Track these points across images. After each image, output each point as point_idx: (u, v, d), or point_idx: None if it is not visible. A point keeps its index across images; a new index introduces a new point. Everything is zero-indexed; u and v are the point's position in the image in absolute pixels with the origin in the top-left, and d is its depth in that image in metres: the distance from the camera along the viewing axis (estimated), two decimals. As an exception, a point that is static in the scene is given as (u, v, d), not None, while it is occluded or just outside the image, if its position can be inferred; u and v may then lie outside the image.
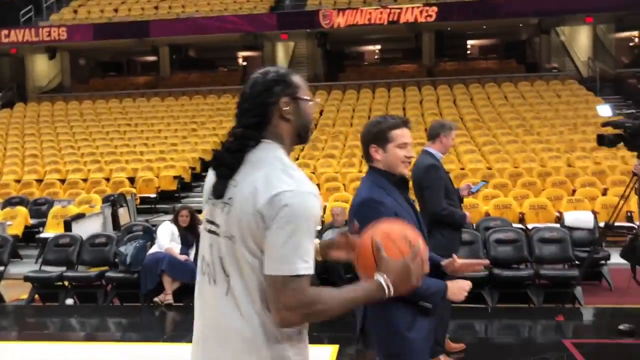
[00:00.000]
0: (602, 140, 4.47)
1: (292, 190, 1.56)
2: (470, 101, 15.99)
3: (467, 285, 2.30)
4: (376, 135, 2.36)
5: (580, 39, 19.98)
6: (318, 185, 9.75)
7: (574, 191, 9.39)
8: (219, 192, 1.69)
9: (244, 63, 24.49)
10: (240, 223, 1.60)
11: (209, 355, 1.71)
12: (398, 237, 1.75)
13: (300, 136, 1.75)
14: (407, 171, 2.41)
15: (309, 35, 19.12)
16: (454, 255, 2.36)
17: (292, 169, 1.63)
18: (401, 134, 2.35)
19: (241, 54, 24.04)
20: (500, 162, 11.25)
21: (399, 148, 2.34)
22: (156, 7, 19.62)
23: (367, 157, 2.43)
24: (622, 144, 4.46)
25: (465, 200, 8.63)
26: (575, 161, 11.10)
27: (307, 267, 1.55)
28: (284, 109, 1.69)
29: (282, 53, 21.46)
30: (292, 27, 18.16)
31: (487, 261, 2.41)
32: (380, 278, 1.63)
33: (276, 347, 1.63)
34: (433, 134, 4.39)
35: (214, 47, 22.24)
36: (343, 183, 10.60)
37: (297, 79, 1.74)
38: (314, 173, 11.28)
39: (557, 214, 8.27)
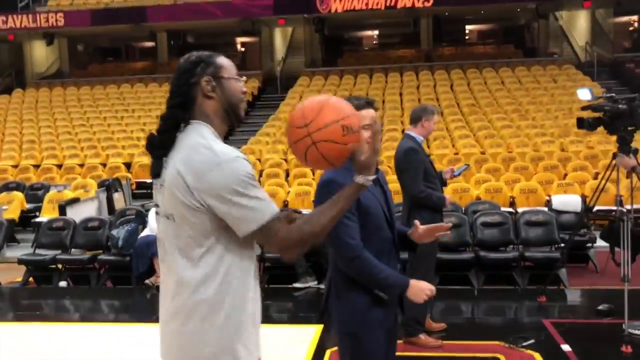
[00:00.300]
0: (582, 124, 4.52)
1: (214, 164, 1.67)
2: (467, 86, 16.00)
3: (429, 290, 2.29)
4: None
5: (578, 24, 19.90)
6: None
7: (565, 175, 9.46)
8: (154, 172, 1.78)
9: (242, 49, 24.45)
10: (175, 202, 1.70)
11: (162, 332, 1.83)
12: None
13: (229, 113, 1.84)
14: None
15: (306, 20, 19.07)
16: (416, 222, 2.40)
17: (213, 142, 1.73)
18: (366, 115, 2.34)
19: (239, 39, 23.99)
20: (494, 147, 11.30)
21: (363, 129, 2.34)
22: (154, -7, 19.57)
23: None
24: (602, 127, 4.51)
25: (457, 184, 8.79)
26: (569, 145, 11.14)
27: (268, 208, 1.68)
28: (205, 87, 1.79)
29: (279, 38, 21.42)
30: (289, 12, 18.10)
31: (449, 225, 2.40)
32: (356, 178, 1.77)
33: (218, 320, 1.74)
34: (415, 118, 4.45)
35: (212, 32, 22.19)
36: (337, 168, 10.65)
37: (222, 60, 1.84)
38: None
39: (548, 197, 8.33)
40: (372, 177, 1.78)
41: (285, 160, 11.49)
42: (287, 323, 5.41)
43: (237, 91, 1.85)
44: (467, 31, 25.20)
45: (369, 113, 2.36)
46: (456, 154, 11.22)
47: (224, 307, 1.74)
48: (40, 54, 21.09)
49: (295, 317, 5.62)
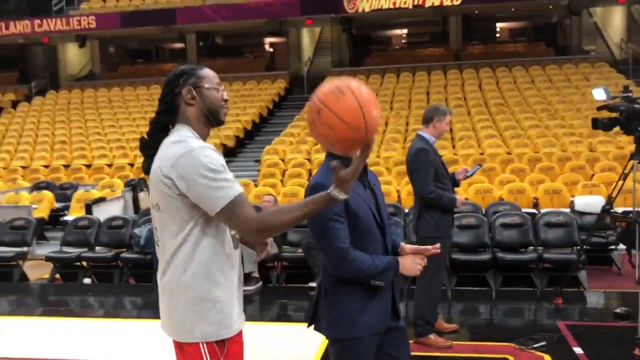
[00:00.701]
0: (597, 124, 4.44)
1: (184, 152, 1.90)
2: (496, 85, 15.80)
3: (419, 259, 2.30)
4: None
5: (613, 20, 19.43)
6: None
7: (592, 176, 9.27)
8: (146, 169, 2.04)
9: (271, 49, 24.61)
10: (157, 192, 1.97)
11: (159, 305, 2.12)
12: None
13: (209, 118, 2.07)
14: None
15: (333, 20, 19.10)
16: (402, 243, 2.39)
17: (186, 138, 1.97)
18: None
19: (267, 40, 24.16)
20: (521, 147, 11.14)
21: None
22: (183, -5, 19.88)
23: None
24: (617, 127, 4.43)
25: (479, 185, 8.71)
26: (597, 145, 10.91)
27: (232, 190, 1.88)
28: (186, 95, 2.04)
29: (307, 39, 21.50)
30: (316, 12, 18.15)
31: (437, 245, 2.37)
32: (332, 190, 1.87)
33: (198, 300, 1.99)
34: (427, 118, 4.44)
35: (240, 33, 22.41)
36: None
37: (204, 71, 2.09)
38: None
39: (572, 199, 8.19)
40: (344, 197, 1.86)
41: (309, 160, 11.54)
42: (303, 322, 5.45)
43: (217, 99, 2.07)
44: (497, 29, 24.85)
45: None
46: (481, 154, 11.10)
47: (196, 289, 1.97)
48: (73, 56, 21.63)
49: (310, 316, 5.64)
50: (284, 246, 6.71)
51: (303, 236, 6.47)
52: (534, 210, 7.86)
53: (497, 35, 24.97)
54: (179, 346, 2.03)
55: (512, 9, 20.17)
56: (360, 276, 2.26)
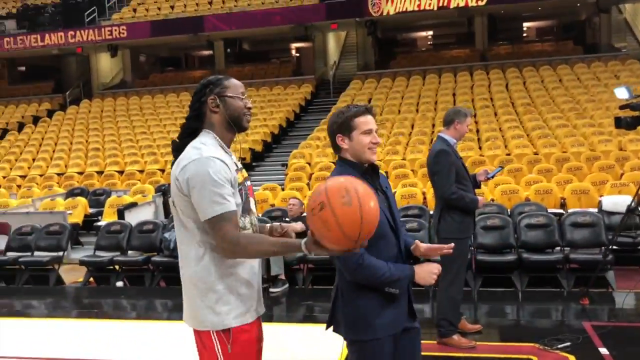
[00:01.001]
0: (620, 123, 4.43)
1: (195, 159, 2.11)
2: (523, 85, 15.66)
3: (435, 268, 2.35)
4: (341, 125, 2.41)
5: (645, 16, 19.07)
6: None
7: (622, 175, 9.14)
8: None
9: (297, 54, 24.80)
10: (172, 191, 2.19)
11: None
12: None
13: (231, 124, 2.27)
14: (374, 157, 2.43)
15: (358, 24, 19.19)
16: (417, 241, 2.43)
17: (203, 144, 2.18)
18: (365, 121, 2.39)
19: (293, 45, 24.35)
20: (548, 147, 11.04)
21: (364, 134, 2.38)
22: (210, 3, 20.21)
23: (335, 147, 2.46)
24: (641, 126, 4.41)
25: (506, 185, 8.68)
26: (627, 144, 10.75)
27: (221, 207, 2.06)
28: (211, 104, 2.25)
29: (333, 43, 21.61)
30: (341, 17, 18.28)
31: (451, 245, 2.38)
32: (303, 245, 2.02)
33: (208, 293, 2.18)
34: (447, 120, 4.50)
35: (266, 40, 22.65)
36: (385, 170, 10.71)
37: (229, 81, 2.28)
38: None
39: (600, 198, 8.10)
40: (312, 255, 1.99)
41: (334, 163, 11.61)
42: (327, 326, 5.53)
43: (239, 107, 2.27)
44: (524, 28, 24.58)
45: (367, 119, 2.41)
46: (508, 154, 11.04)
47: (205, 282, 2.17)
48: (105, 66, 22.15)
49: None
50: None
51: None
52: (561, 211, 7.80)
53: (524, 34, 24.69)
54: (197, 334, 2.24)
55: (539, 8, 19.94)
56: (375, 282, 2.31)
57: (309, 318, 5.90)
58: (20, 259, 7.64)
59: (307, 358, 4.53)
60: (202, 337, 2.21)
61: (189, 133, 2.27)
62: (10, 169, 14.19)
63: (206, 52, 23.06)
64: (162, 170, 12.61)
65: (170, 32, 19.21)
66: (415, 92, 16.10)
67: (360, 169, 2.42)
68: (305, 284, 6.74)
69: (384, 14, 17.37)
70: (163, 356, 4.77)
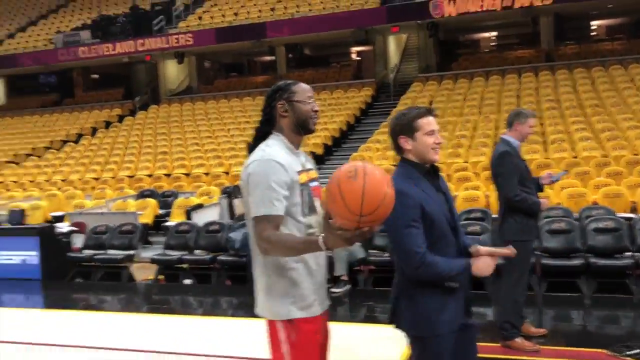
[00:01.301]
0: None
1: (256, 160, 2.28)
2: (592, 86, 15.14)
3: (492, 260, 2.38)
4: (404, 127, 2.48)
5: None
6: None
7: (700, 178, 8.73)
8: None
9: (357, 58, 24.88)
10: (242, 190, 2.36)
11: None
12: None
13: (298, 127, 2.40)
14: (437, 157, 2.48)
15: (419, 26, 19.05)
16: (478, 246, 2.47)
17: (268, 147, 2.33)
18: (427, 122, 2.46)
19: (354, 49, 24.43)
20: (618, 149, 10.66)
21: (427, 135, 2.44)
22: (272, 9, 20.59)
23: (397, 149, 2.54)
24: None
25: (573, 189, 8.45)
26: None
27: (267, 209, 2.20)
28: (280, 108, 2.39)
29: (393, 46, 21.56)
30: (402, 20, 18.21)
31: (510, 250, 2.43)
32: (321, 239, 2.09)
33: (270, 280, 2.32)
34: (509, 122, 4.48)
35: (327, 44, 22.84)
36: (447, 173, 10.63)
37: (297, 86, 2.41)
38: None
39: (675, 202, 7.78)
40: (326, 250, 2.08)
41: (395, 166, 11.61)
42: (390, 324, 5.58)
43: (306, 111, 2.39)
44: (593, 27, 23.71)
45: (429, 120, 2.48)
46: (575, 157, 10.73)
47: (270, 275, 2.31)
48: (172, 72, 22.95)
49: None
50: (372, 250, 6.87)
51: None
52: (631, 215, 7.53)
53: (593, 33, 23.81)
54: (267, 323, 2.37)
55: (609, 5, 19.21)
56: (437, 279, 2.38)
57: (370, 318, 5.97)
58: (96, 257, 8.07)
59: (369, 357, 4.60)
60: (269, 326, 2.35)
61: (260, 136, 2.40)
62: (85, 171, 14.94)
63: (268, 58, 23.48)
64: (227, 173, 12.97)
65: (234, 39, 19.69)
66: (477, 93, 15.86)
67: (422, 169, 2.49)
68: (367, 285, 6.81)
69: (446, 15, 17.20)
70: (227, 351, 4.95)
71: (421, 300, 2.42)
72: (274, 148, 2.30)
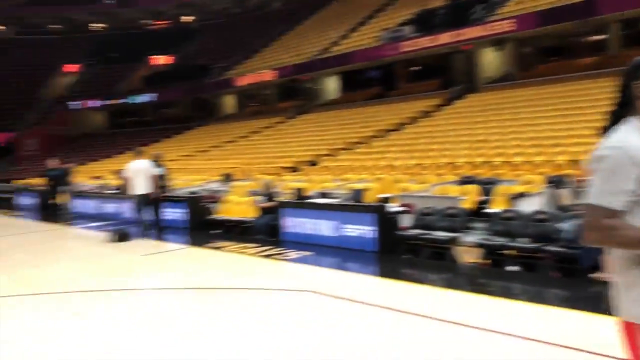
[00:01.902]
0: None
1: (607, 146, 1.99)
2: None
3: None
4: None
5: None
6: None
7: None
8: None
9: None
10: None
11: None
12: None
13: None
14: None
15: None
16: None
17: (621, 132, 2.00)
18: None
19: None
20: None
21: None
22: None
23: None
24: None
25: None
26: None
27: (596, 199, 1.95)
28: (637, 90, 2.02)
29: None
30: None
31: None
32: None
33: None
34: None
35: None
36: None
37: None
38: None
39: None
40: None
41: None
42: None
43: None
44: None
45: None
46: None
47: (625, 274, 2.04)
48: (489, 60, 22.82)
49: None
50: None
51: None
52: None
53: None
54: (622, 323, 2.13)
55: None
56: None
57: None
58: (422, 236, 8.65)
59: None
60: (623, 326, 2.12)
61: (614, 120, 2.08)
62: (407, 157, 16.02)
63: (595, 37, 21.52)
64: (549, 162, 12.43)
65: (558, 20, 18.63)
66: None
67: None
68: None
69: None
70: (553, 339, 4.82)
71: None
72: (622, 134, 2.00)
